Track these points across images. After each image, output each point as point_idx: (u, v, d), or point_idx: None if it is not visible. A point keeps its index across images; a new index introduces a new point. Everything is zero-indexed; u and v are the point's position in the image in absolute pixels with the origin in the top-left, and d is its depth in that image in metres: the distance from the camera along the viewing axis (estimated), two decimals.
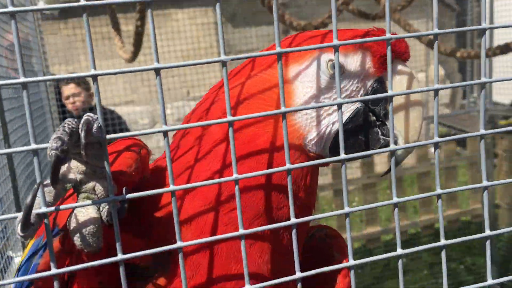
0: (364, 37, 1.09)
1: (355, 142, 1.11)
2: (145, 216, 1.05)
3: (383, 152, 0.98)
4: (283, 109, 0.86)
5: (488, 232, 0.97)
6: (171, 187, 0.82)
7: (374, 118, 1.11)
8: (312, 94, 1.08)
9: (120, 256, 0.80)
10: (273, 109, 1.07)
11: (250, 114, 0.86)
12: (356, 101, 1.06)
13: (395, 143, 1.11)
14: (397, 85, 1.09)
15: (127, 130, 6.49)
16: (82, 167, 0.85)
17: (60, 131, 0.77)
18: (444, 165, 6.16)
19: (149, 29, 0.80)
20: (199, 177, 1.06)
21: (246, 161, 1.06)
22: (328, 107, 1.09)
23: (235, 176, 0.85)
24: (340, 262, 1.16)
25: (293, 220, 0.88)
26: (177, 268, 1.04)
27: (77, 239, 0.84)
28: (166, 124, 0.79)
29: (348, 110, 1.10)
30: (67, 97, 4.92)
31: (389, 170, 1.14)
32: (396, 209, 0.92)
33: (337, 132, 1.10)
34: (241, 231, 0.86)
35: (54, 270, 0.77)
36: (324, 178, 6.14)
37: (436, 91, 0.90)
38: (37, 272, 0.93)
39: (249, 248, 1.06)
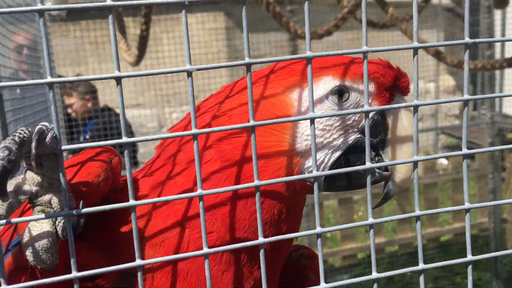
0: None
1: (351, 173, 1.08)
2: (111, 232, 1.01)
3: (357, 169, 0.92)
4: (251, 122, 0.82)
5: (470, 257, 0.93)
6: (131, 202, 0.78)
7: (373, 150, 1.09)
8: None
9: (74, 274, 0.76)
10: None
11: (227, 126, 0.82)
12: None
13: (387, 178, 1.08)
14: (397, 122, 1.08)
15: (132, 133, 6.48)
16: (38, 179, 0.81)
17: (9, 141, 0.73)
18: (452, 177, 6.07)
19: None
20: (172, 192, 1.02)
21: (224, 178, 1.02)
22: (329, 135, 1.05)
23: (199, 192, 0.81)
24: (314, 284, 1.13)
25: (261, 239, 0.84)
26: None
27: (30, 255, 0.81)
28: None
29: (349, 140, 1.07)
30: (67, 106, 5.22)
31: (381, 203, 1.10)
32: (371, 231, 0.88)
33: (335, 161, 1.07)
34: (205, 249, 0.82)
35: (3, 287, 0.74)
36: None
37: (416, 107, 0.86)
38: None
39: (222, 274, 1.01)
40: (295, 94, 1.06)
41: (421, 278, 0.91)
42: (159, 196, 1.02)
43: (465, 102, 0.90)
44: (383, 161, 1.08)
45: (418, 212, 0.90)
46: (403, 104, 0.89)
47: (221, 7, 7.65)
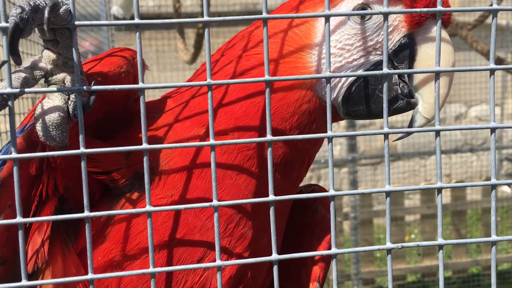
0: None
1: (370, 97, 1.02)
2: (129, 138, 1.02)
3: (374, 134, 0.87)
4: (266, 77, 0.81)
5: None
6: (144, 145, 0.79)
7: (397, 76, 1.02)
8: (334, 39, 1.02)
9: (82, 150, 0.76)
10: (291, 48, 1.02)
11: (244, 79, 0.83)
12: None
13: (414, 105, 1.02)
14: (428, 50, 1.00)
15: None
16: (53, 57, 0.84)
17: (23, 2, 0.75)
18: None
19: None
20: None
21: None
22: (349, 55, 1.01)
23: (211, 141, 0.80)
24: (323, 216, 1.17)
25: (271, 197, 0.81)
26: (155, 185, 1.00)
27: (40, 129, 0.82)
28: None
29: (369, 62, 1.02)
30: None
31: (404, 136, 1.04)
32: (389, 256, 0.83)
33: (354, 82, 1.02)
34: (212, 141, 0.79)
35: (14, 155, 0.74)
36: (379, 205, 5.90)
37: (437, 132, 0.80)
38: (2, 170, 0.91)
39: (236, 176, 1.02)
40: (322, 19, 1.03)
41: None
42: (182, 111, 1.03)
43: (491, 130, 0.84)
44: (408, 89, 1.01)
45: (441, 241, 0.84)
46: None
47: None
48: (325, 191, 1.25)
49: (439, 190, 0.83)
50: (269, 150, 0.81)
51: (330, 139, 0.81)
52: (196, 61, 4.57)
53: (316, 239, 1.16)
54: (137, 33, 0.77)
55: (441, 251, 0.84)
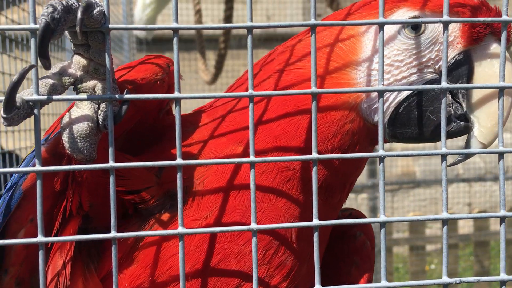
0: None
1: (420, 119, 0.94)
2: (159, 154, 0.96)
3: (431, 154, 0.80)
4: (313, 89, 0.74)
5: None
6: (178, 161, 0.72)
7: (451, 96, 0.95)
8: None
9: (111, 164, 0.69)
10: (336, 64, 0.96)
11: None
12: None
13: (469, 129, 0.94)
14: (487, 69, 0.93)
15: None
16: (84, 63, 0.78)
17: (55, 1, 0.70)
18: None
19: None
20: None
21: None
22: (397, 72, 0.94)
23: (251, 158, 0.75)
24: (362, 243, 1.11)
25: (315, 221, 0.75)
26: (188, 206, 0.93)
27: (66, 140, 0.76)
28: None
29: (419, 80, 0.94)
30: None
31: (457, 161, 0.96)
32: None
33: (402, 102, 0.95)
34: (251, 157, 0.73)
35: (38, 167, 0.68)
36: (398, 233, 5.75)
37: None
38: (25, 180, 0.84)
39: (275, 198, 0.94)
40: (369, 34, 0.97)
41: None
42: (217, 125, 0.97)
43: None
44: (462, 110, 0.94)
45: (503, 276, 0.78)
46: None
47: None
48: (363, 215, 1.18)
49: (503, 219, 0.75)
50: (314, 169, 0.74)
51: (381, 159, 0.74)
52: (216, 82, 4.55)
53: (355, 268, 1.08)
54: (175, 39, 0.71)
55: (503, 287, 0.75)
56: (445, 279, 0.75)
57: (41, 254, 0.68)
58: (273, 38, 6.37)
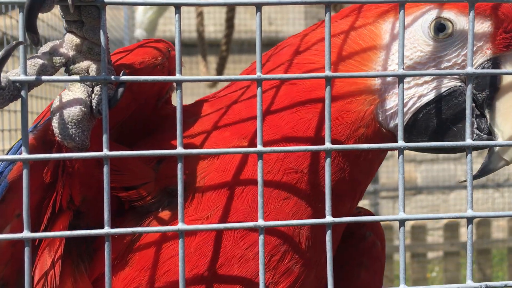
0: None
1: (440, 129, 0.88)
2: (157, 146, 0.89)
3: (457, 146, 0.73)
4: (327, 72, 0.68)
5: None
6: (178, 150, 0.66)
7: (474, 105, 0.88)
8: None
9: (105, 152, 0.63)
10: (350, 59, 0.90)
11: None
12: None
13: (491, 141, 0.88)
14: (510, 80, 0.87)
15: None
16: (76, 41, 0.72)
17: None
18: None
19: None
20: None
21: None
22: (419, 76, 0.88)
23: (259, 148, 0.68)
24: (372, 244, 1.06)
25: (328, 218, 0.68)
26: (188, 204, 0.86)
27: (56, 126, 0.69)
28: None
29: (443, 86, 0.88)
30: None
31: (476, 176, 0.89)
32: None
33: (421, 108, 0.88)
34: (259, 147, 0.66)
35: (24, 155, 0.62)
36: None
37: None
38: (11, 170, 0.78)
39: (282, 201, 0.87)
40: (387, 24, 0.90)
41: None
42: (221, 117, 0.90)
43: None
44: (486, 124, 0.88)
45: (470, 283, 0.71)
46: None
47: None
48: (373, 214, 1.11)
49: (470, 220, 0.70)
50: (327, 161, 0.67)
51: (401, 150, 0.68)
52: (217, 86, 4.50)
53: (364, 271, 1.01)
54: (176, 15, 0.64)
55: None
56: (470, 283, 0.68)
57: (26, 251, 0.62)
58: (275, 43, 6.35)
